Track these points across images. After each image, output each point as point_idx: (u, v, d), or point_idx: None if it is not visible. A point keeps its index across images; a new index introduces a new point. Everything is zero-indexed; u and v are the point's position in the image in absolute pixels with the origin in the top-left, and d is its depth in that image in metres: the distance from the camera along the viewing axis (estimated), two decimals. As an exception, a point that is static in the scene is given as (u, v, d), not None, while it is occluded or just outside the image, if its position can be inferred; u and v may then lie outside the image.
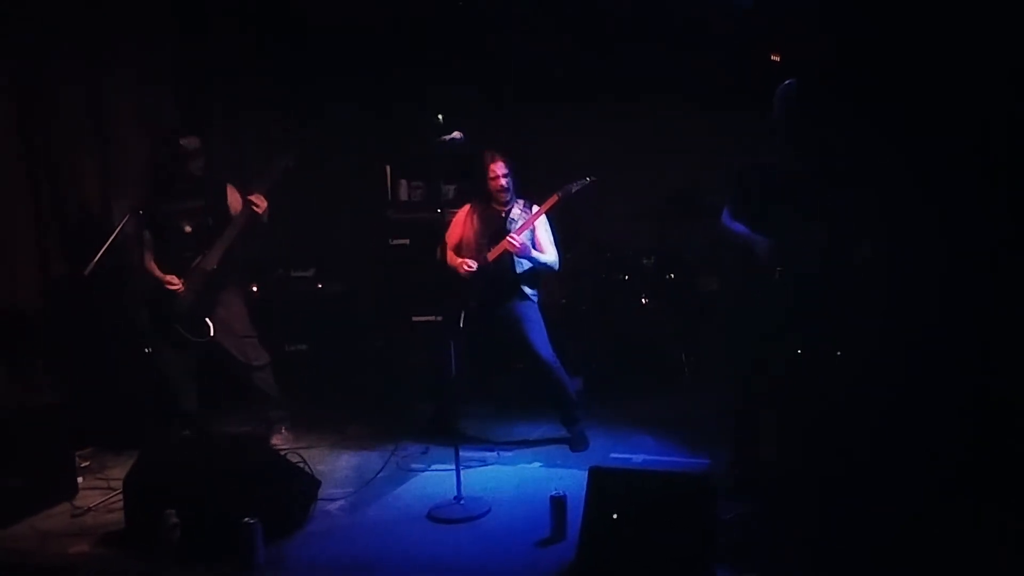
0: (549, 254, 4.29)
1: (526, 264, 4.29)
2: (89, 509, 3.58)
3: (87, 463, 4.14)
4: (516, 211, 4.30)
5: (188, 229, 4.18)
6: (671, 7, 5.18)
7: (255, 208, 4.08)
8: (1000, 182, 3.76)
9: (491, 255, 4.21)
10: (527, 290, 4.30)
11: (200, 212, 4.20)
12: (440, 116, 3.60)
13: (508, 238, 4.12)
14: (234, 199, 4.24)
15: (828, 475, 3.36)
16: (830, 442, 3.44)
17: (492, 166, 4.23)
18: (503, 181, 4.23)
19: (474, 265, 4.20)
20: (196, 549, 3.01)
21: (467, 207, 4.43)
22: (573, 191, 4.12)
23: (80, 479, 3.86)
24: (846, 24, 4.48)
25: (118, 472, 3.74)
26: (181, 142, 4.17)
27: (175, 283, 4.09)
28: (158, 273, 4.14)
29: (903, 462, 3.52)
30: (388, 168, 6.17)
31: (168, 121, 5.09)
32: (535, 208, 4.24)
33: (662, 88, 5.67)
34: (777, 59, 5.22)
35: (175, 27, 5.28)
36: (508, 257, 4.22)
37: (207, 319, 4.11)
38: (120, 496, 3.36)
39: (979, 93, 3.86)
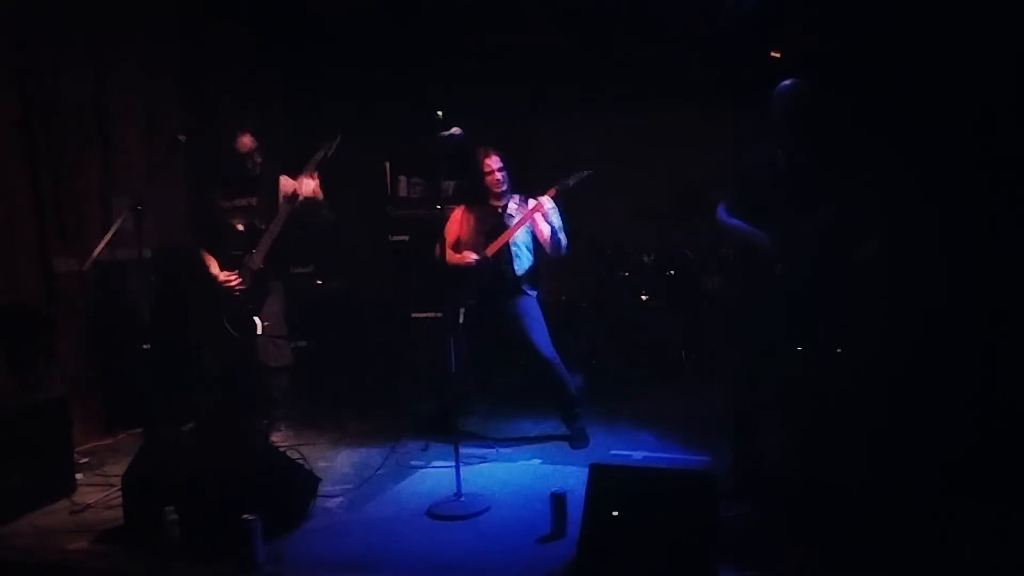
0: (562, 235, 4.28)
1: (524, 260, 4.29)
2: (88, 506, 3.57)
3: (86, 459, 4.14)
4: (512, 206, 4.30)
5: (240, 227, 4.19)
6: (673, 4, 5.17)
7: (296, 192, 4.09)
8: (1003, 180, 3.75)
9: (489, 250, 4.21)
10: (526, 286, 4.30)
11: (252, 210, 4.21)
12: (440, 112, 3.60)
13: (537, 201, 4.11)
14: (285, 189, 4.23)
15: (829, 474, 3.36)
16: (831, 440, 3.43)
17: (487, 160, 4.24)
18: (499, 175, 4.25)
19: (476, 255, 4.21)
20: (195, 546, 3.00)
21: (462, 206, 4.43)
22: (570, 184, 4.15)
23: (79, 475, 3.86)
24: (850, 21, 4.46)
25: (117, 469, 3.74)
26: (239, 142, 4.21)
27: (233, 279, 4.09)
28: (215, 270, 4.14)
29: (904, 461, 3.52)
30: (388, 164, 6.17)
31: (172, 118, 5.08)
32: (531, 202, 4.25)
33: (663, 85, 5.66)
34: (778, 56, 5.21)
35: (179, 24, 5.28)
36: (506, 253, 4.23)
37: (255, 317, 4.12)
38: (119, 493, 3.35)
39: (982, 91, 3.85)
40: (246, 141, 4.24)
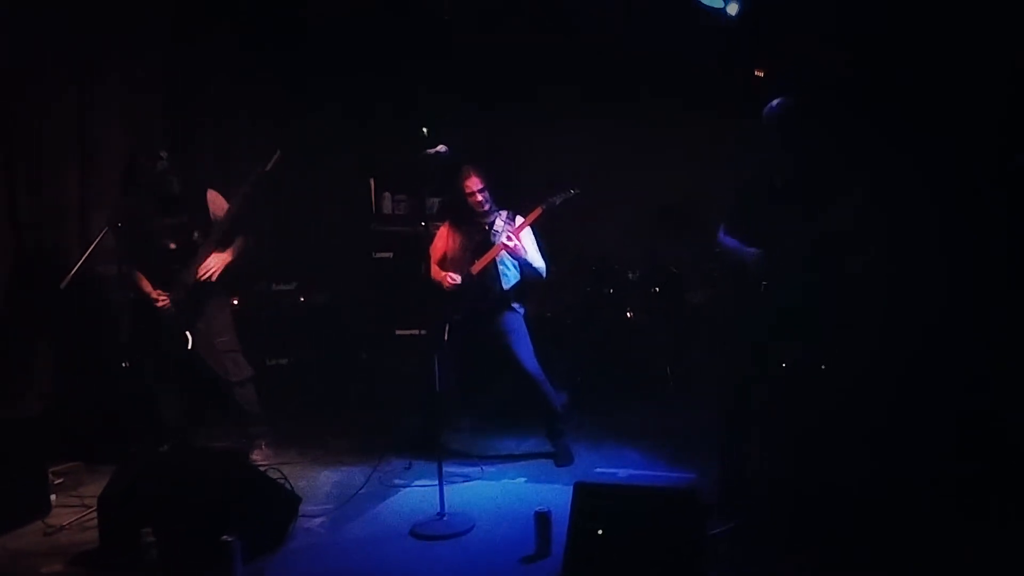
0: (537, 261, 4.29)
1: (511, 277, 4.28)
2: (63, 527, 3.51)
3: (61, 480, 4.05)
4: (499, 223, 4.29)
5: (172, 246, 4.12)
6: (663, 18, 5.19)
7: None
8: (1003, 180, 3.78)
9: (475, 268, 4.20)
10: (512, 302, 4.29)
11: (185, 228, 4.14)
12: (425, 129, 3.59)
13: (504, 238, 4.10)
14: (216, 205, 4.17)
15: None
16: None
17: (467, 183, 4.22)
18: (479, 196, 4.23)
19: (458, 278, 4.19)
20: (173, 568, 2.95)
21: (447, 223, 4.42)
22: (557, 203, 4.15)
23: (53, 496, 3.78)
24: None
25: (93, 489, 3.66)
26: (157, 160, 4.09)
27: (162, 298, 4.04)
28: (148, 288, 4.08)
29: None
30: (372, 181, 6.16)
31: (155, 132, 5.05)
32: (518, 219, 4.25)
33: (651, 101, 5.69)
34: (761, 75, 5.24)
35: (166, 38, 5.25)
36: (492, 270, 4.22)
37: (186, 332, 4.06)
38: (95, 514, 3.29)
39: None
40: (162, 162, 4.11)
